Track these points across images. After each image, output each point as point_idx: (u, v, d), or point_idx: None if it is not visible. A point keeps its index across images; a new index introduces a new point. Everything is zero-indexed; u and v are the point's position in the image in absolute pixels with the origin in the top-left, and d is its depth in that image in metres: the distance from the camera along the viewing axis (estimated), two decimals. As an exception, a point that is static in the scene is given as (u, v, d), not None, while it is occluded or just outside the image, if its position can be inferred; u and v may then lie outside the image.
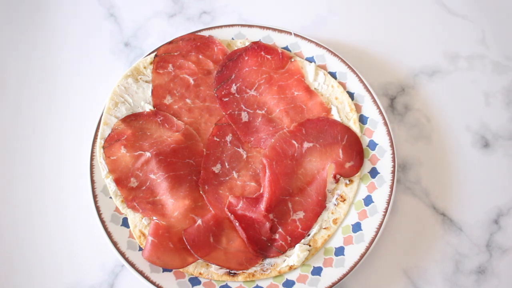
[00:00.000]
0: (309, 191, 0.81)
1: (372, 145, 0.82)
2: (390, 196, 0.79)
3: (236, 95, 0.84)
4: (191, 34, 0.86)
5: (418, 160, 0.86)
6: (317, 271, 0.78)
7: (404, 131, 0.87)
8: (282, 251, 0.78)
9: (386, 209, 0.79)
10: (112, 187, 0.79)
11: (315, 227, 0.80)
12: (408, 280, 0.80)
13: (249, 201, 0.80)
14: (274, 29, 0.87)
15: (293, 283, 0.77)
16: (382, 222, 0.78)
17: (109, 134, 0.80)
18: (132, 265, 0.76)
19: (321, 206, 0.80)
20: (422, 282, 0.80)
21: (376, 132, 0.82)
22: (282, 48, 0.87)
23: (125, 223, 0.79)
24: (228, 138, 0.83)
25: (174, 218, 0.78)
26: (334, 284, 0.76)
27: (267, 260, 0.78)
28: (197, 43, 0.85)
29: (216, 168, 0.82)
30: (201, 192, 0.80)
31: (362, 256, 0.77)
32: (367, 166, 0.82)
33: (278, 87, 0.85)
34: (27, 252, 0.82)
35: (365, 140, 0.83)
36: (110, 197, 0.79)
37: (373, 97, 0.83)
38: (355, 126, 0.83)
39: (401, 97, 0.89)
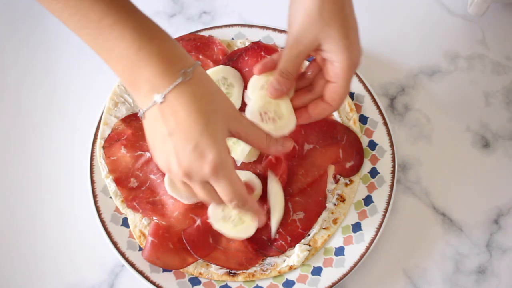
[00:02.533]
0: (309, 191, 0.81)
1: (372, 145, 0.82)
2: (390, 196, 0.79)
3: (236, 95, 0.85)
4: (191, 34, 0.86)
5: (418, 160, 0.86)
6: (317, 271, 0.78)
7: (404, 131, 0.87)
8: (282, 251, 0.78)
9: (386, 209, 0.79)
10: (112, 187, 0.79)
11: (315, 227, 0.80)
12: (408, 280, 0.80)
13: (249, 201, 0.80)
14: (274, 29, 0.87)
15: (293, 283, 0.77)
16: (382, 222, 0.78)
17: (109, 134, 0.80)
18: (132, 265, 0.76)
19: (321, 206, 0.80)
20: (422, 282, 0.80)
21: (376, 132, 0.82)
22: (282, 48, 0.87)
23: (125, 223, 0.79)
24: (228, 138, 0.83)
25: (174, 218, 0.78)
26: (334, 284, 0.76)
27: (267, 260, 0.78)
28: (197, 43, 0.85)
29: (216, 168, 0.81)
30: (201, 192, 0.80)
31: (362, 256, 0.77)
32: (367, 166, 0.82)
33: (278, 87, 0.85)
34: (27, 252, 0.82)
35: (365, 140, 0.83)
36: (110, 197, 0.79)
37: (373, 97, 0.83)
38: (355, 126, 0.83)
39: (401, 97, 0.89)
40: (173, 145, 0.56)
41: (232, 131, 0.60)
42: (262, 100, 0.69)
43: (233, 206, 0.62)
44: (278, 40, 0.87)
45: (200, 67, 0.58)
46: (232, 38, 0.87)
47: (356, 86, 0.84)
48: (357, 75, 0.84)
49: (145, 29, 0.55)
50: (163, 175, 0.79)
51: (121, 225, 0.79)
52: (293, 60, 0.63)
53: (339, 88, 0.63)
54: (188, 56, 0.58)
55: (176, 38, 0.85)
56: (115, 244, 0.77)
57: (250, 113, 0.69)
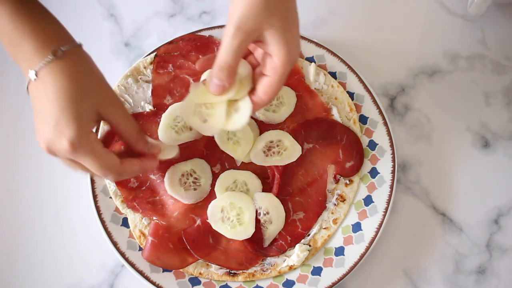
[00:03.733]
0: (309, 191, 0.81)
1: (372, 145, 0.82)
2: (390, 196, 0.79)
3: (236, 95, 0.85)
4: (191, 34, 0.86)
5: (418, 160, 0.86)
6: (317, 271, 0.78)
7: (404, 131, 0.87)
8: (282, 251, 0.78)
9: (386, 209, 0.79)
10: (112, 187, 0.79)
11: (315, 227, 0.80)
12: (408, 280, 0.80)
13: (249, 201, 0.80)
14: (274, 29, 0.87)
15: (293, 283, 0.77)
16: (382, 222, 0.78)
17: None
18: (132, 265, 0.76)
19: (321, 206, 0.80)
20: (422, 282, 0.80)
21: (376, 132, 0.82)
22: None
23: (125, 223, 0.79)
24: (228, 138, 0.83)
25: (174, 218, 0.78)
26: (334, 284, 0.76)
27: (267, 260, 0.78)
28: (197, 43, 0.85)
29: (216, 168, 0.81)
30: (201, 192, 0.80)
31: (362, 256, 0.77)
32: (367, 166, 0.82)
33: (278, 87, 0.85)
34: (27, 252, 0.82)
35: (365, 140, 0.83)
36: (110, 197, 0.79)
37: (373, 97, 0.83)
38: (355, 126, 0.83)
39: (401, 97, 0.89)
40: (40, 122, 0.58)
41: (103, 116, 0.60)
42: (202, 97, 0.66)
43: (111, 179, 0.62)
44: (278, 40, 0.87)
45: (81, 49, 0.60)
46: (232, 38, 0.87)
47: (356, 86, 0.84)
48: (357, 75, 0.84)
49: (23, 5, 0.57)
50: (163, 175, 0.79)
51: (121, 225, 0.79)
52: (235, 51, 0.58)
53: (273, 83, 0.61)
54: (65, 35, 0.59)
55: (176, 38, 0.85)
56: (115, 244, 0.77)
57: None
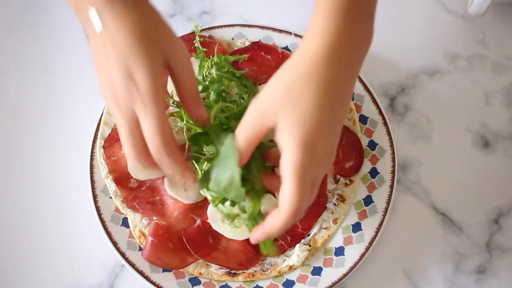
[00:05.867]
0: (309, 191, 0.80)
1: (372, 145, 0.82)
2: (390, 196, 0.79)
3: (236, 95, 0.85)
4: (191, 34, 0.86)
5: (418, 160, 0.86)
6: (317, 271, 0.78)
7: (404, 131, 0.87)
8: (282, 251, 0.78)
9: (386, 209, 0.79)
10: (112, 187, 0.79)
11: (315, 227, 0.80)
12: (408, 280, 0.80)
13: (249, 201, 0.80)
14: (274, 29, 0.87)
15: (293, 283, 0.77)
16: (382, 222, 0.78)
17: (109, 134, 0.80)
18: (132, 265, 0.76)
19: (322, 207, 0.80)
20: (422, 282, 0.80)
21: (376, 132, 0.82)
22: (282, 48, 0.87)
23: (125, 223, 0.79)
24: (228, 138, 0.83)
25: (174, 218, 0.78)
26: (334, 284, 0.76)
27: (267, 260, 0.78)
28: (197, 43, 0.85)
29: (216, 168, 0.81)
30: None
31: (362, 256, 0.77)
32: (367, 166, 0.82)
33: (278, 87, 0.85)
34: (27, 252, 0.82)
35: (365, 140, 0.83)
36: (110, 197, 0.79)
37: (373, 97, 0.83)
38: (355, 126, 0.83)
39: (401, 97, 0.89)
40: (105, 72, 0.56)
41: (172, 67, 0.57)
42: None
43: (153, 150, 0.54)
44: (278, 40, 0.87)
45: (148, 1, 0.57)
46: (232, 38, 0.87)
47: (356, 86, 0.84)
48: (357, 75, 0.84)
49: None
50: (163, 175, 0.79)
51: (121, 225, 0.79)
52: (247, 128, 0.54)
53: (285, 189, 0.51)
54: None
55: (176, 38, 0.85)
56: (115, 244, 0.77)
57: None
